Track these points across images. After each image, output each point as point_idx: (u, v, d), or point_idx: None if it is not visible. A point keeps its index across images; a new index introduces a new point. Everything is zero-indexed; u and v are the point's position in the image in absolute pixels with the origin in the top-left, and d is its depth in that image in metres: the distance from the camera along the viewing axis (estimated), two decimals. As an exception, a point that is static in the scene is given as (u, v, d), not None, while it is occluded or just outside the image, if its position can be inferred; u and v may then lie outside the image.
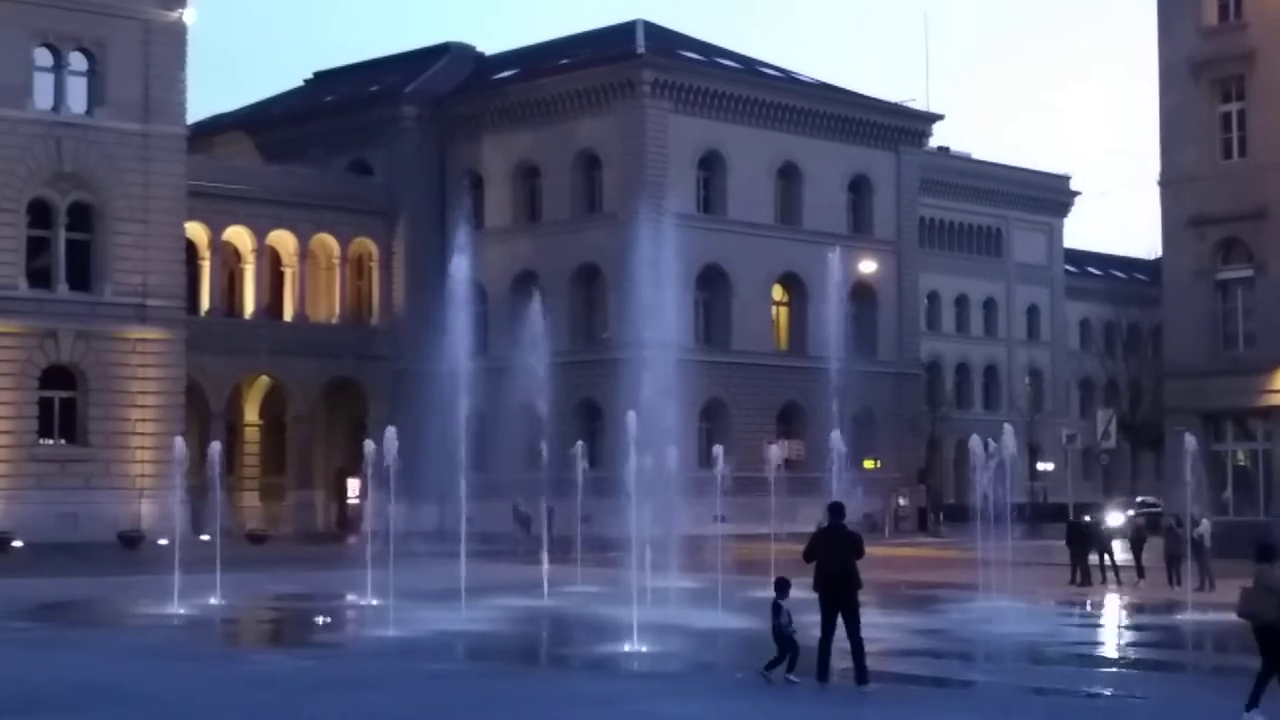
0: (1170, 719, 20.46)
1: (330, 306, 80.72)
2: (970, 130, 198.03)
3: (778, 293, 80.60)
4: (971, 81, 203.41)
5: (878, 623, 33.24)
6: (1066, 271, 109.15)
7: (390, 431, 34.22)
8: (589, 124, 76.94)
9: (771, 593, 22.40)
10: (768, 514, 39.46)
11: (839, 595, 21.45)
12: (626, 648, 26.68)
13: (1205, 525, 41.01)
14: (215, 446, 41.53)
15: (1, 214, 63.14)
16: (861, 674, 21.45)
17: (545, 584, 39.02)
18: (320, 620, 35.54)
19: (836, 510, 22.35)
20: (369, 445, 36.28)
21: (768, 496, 38.89)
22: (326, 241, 79.93)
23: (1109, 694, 22.66)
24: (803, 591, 22.27)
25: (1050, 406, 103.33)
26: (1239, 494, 56.39)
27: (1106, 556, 44.21)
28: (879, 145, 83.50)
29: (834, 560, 21.47)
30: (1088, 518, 48.59)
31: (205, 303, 75.14)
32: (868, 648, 28.73)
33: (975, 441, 37.68)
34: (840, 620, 21.58)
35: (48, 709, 20.48)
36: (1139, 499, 75.06)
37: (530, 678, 25.15)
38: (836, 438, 33.00)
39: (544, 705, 20.83)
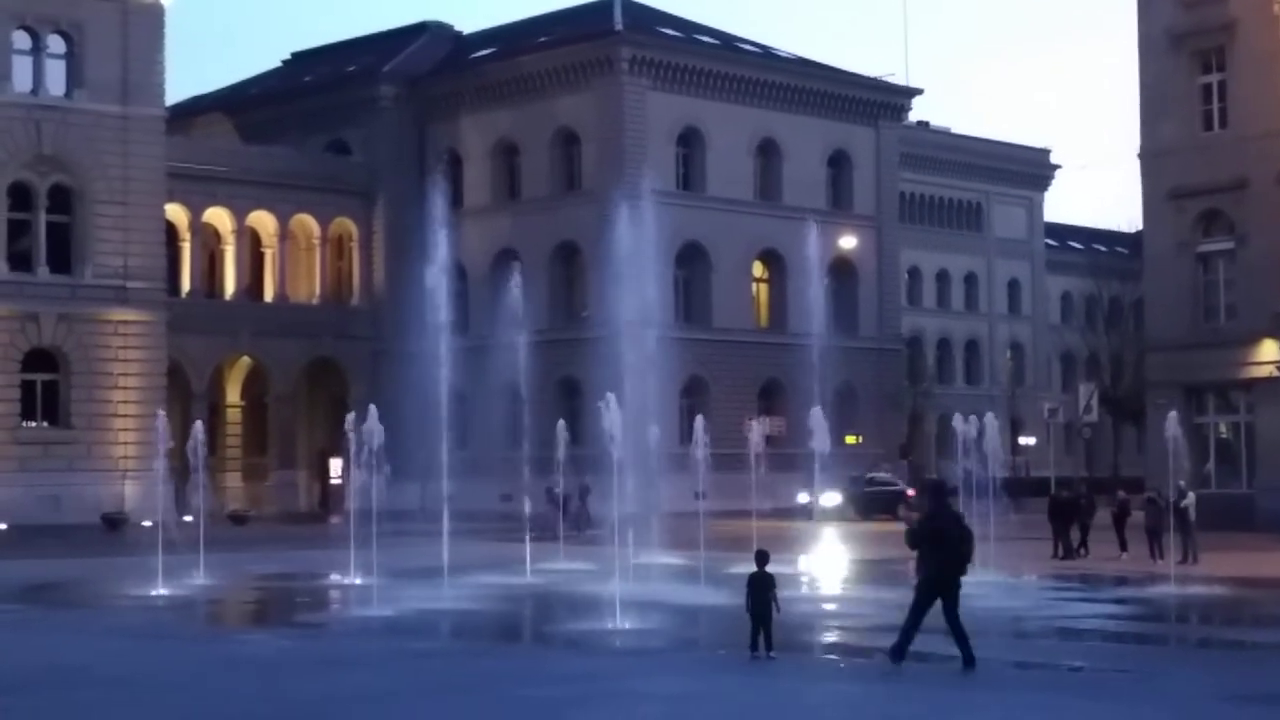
0: (1154, 691, 20.47)
1: (310, 287, 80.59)
2: (950, 104, 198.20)
3: (758, 269, 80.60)
4: (950, 55, 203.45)
5: (861, 598, 33.41)
6: (1047, 245, 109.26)
7: (372, 411, 34.19)
8: (567, 102, 76.85)
9: (751, 567, 22.34)
10: (749, 491, 39.51)
11: (953, 581, 20.87)
12: (609, 625, 26.68)
13: (1191, 498, 41.12)
14: (198, 427, 41.46)
15: (-20, 197, 62.98)
16: (970, 656, 20.92)
17: (528, 562, 39.04)
18: (302, 600, 35.52)
19: (940, 489, 21.88)
20: (350, 425, 36.23)
21: (749, 473, 38.94)
22: (306, 222, 79.77)
23: (1092, 667, 22.69)
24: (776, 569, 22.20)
25: (1032, 381, 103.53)
26: (1221, 466, 56.61)
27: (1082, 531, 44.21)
28: (858, 120, 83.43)
29: (951, 546, 20.80)
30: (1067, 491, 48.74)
31: (186, 284, 74.97)
32: (854, 623, 28.97)
33: (960, 422, 37.82)
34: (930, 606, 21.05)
35: (29, 690, 20.42)
36: (870, 474, 69.16)
37: (514, 656, 25.15)
38: (817, 414, 32.99)
39: (528, 683, 20.81)
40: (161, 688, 20.87)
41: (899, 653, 21.07)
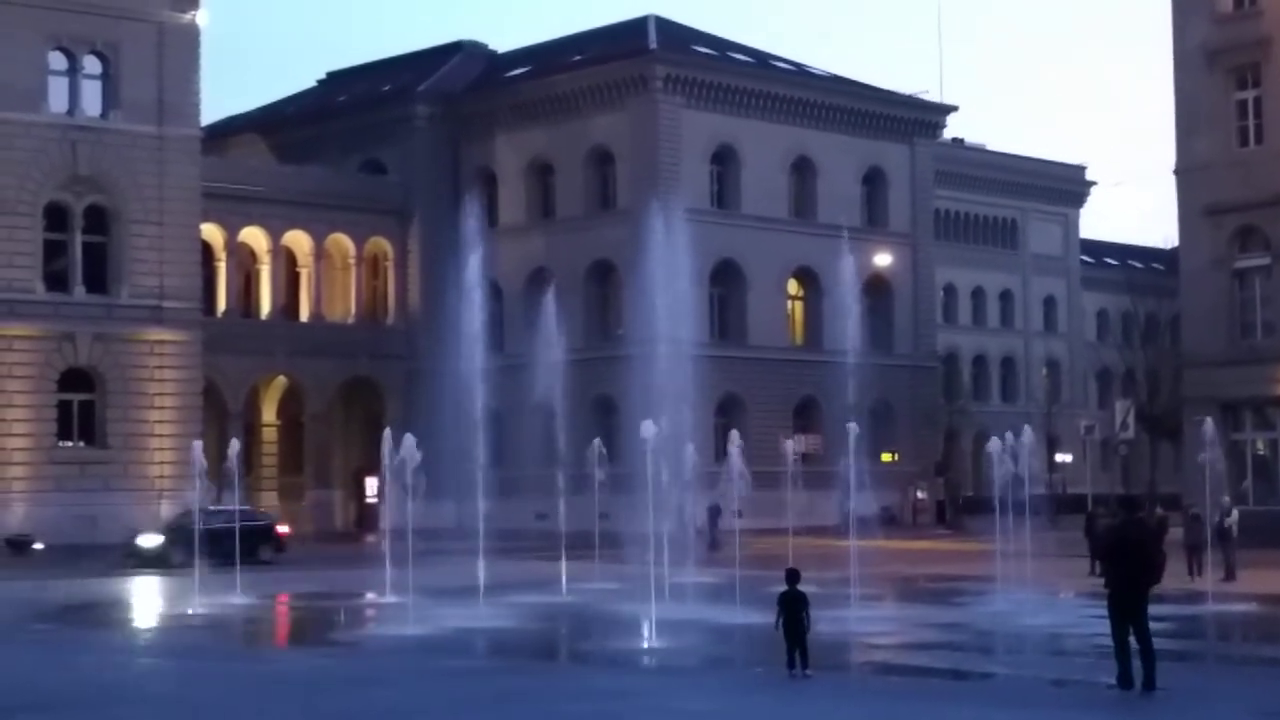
0: (1192, 709, 20.38)
1: (346, 306, 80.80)
2: (984, 121, 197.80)
3: (793, 287, 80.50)
4: (985, 72, 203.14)
5: (897, 616, 33.31)
6: (1083, 262, 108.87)
7: (407, 433, 34.22)
8: (602, 120, 76.93)
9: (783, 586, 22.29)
10: (784, 509, 39.43)
11: (1141, 595, 20.60)
12: (645, 643, 26.66)
13: (1235, 515, 40.94)
14: (234, 447, 41.51)
15: (18, 218, 63.23)
16: (1152, 678, 20.53)
17: (563, 580, 39.03)
18: (339, 618, 35.55)
19: (1130, 502, 21.76)
20: (386, 444, 36.29)
21: (784, 491, 38.86)
22: (341, 241, 80.00)
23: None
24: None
25: (1068, 398, 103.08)
26: (1258, 483, 56.32)
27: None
28: (893, 138, 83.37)
29: (1138, 558, 20.60)
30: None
31: (221, 304, 75.23)
32: (886, 641, 28.85)
33: (995, 444, 37.64)
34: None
35: (68, 709, 20.49)
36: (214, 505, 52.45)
37: (549, 673, 25.14)
38: (853, 430, 32.94)
39: (563, 700, 20.81)
40: (200, 706, 20.92)
41: (1125, 679, 20.63)
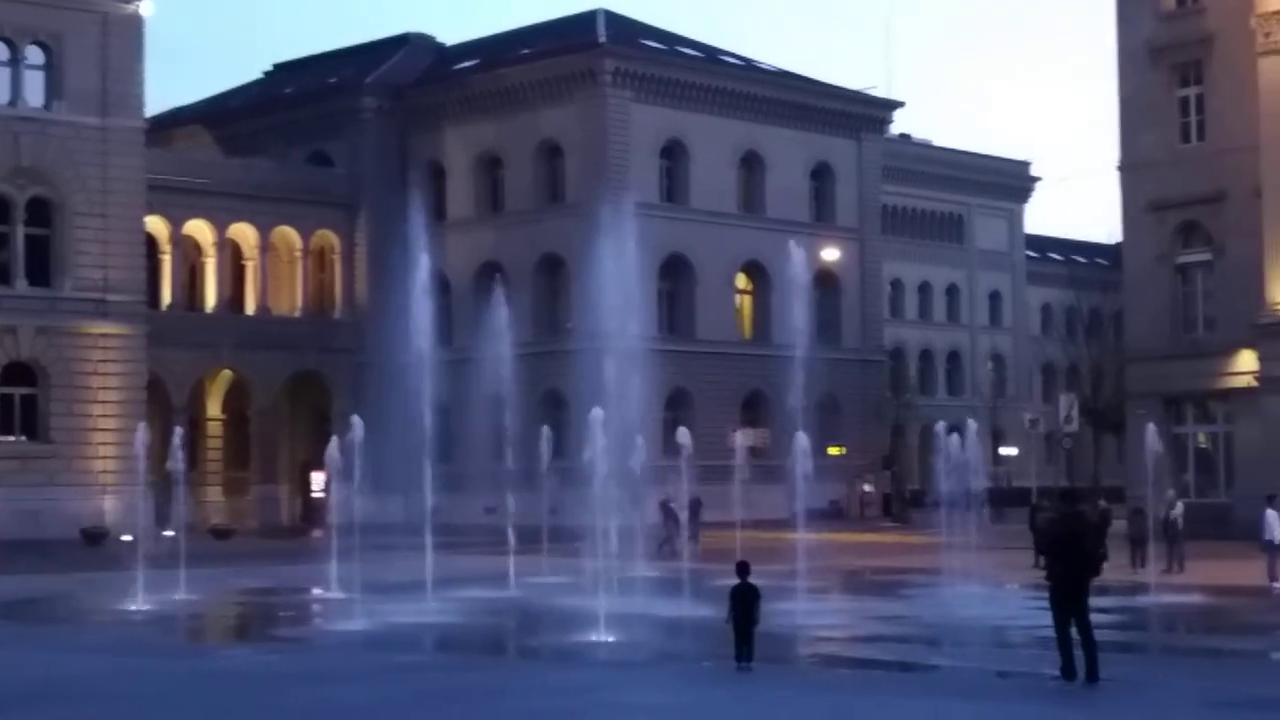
0: (1137, 700, 20.53)
1: (292, 299, 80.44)
2: (931, 117, 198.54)
3: (741, 281, 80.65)
4: (932, 68, 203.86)
5: (844, 608, 33.46)
6: (1028, 257, 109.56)
7: (355, 424, 34.11)
8: (550, 114, 76.85)
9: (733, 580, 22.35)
10: (732, 501, 39.51)
11: (1081, 587, 20.71)
12: (594, 638, 26.66)
13: (1180, 507, 41.30)
14: (178, 439, 41.30)
15: (-41, 210, 62.80)
16: (1094, 671, 20.53)
17: (512, 575, 38.98)
18: (285, 614, 35.42)
19: (1070, 495, 21.94)
20: (333, 438, 36.19)
21: (732, 484, 38.94)
22: (288, 234, 79.65)
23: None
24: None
25: (1013, 391, 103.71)
26: (1200, 476, 56.88)
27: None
28: (840, 133, 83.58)
29: (1078, 551, 20.73)
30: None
31: (166, 297, 74.78)
32: (833, 634, 28.97)
33: (941, 430, 37.84)
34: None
35: (10, 708, 20.33)
36: None
37: (499, 669, 25.11)
38: (801, 439, 32.97)
39: (513, 696, 20.78)
40: (152, 703, 20.74)
41: (1068, 671, 20.65)
